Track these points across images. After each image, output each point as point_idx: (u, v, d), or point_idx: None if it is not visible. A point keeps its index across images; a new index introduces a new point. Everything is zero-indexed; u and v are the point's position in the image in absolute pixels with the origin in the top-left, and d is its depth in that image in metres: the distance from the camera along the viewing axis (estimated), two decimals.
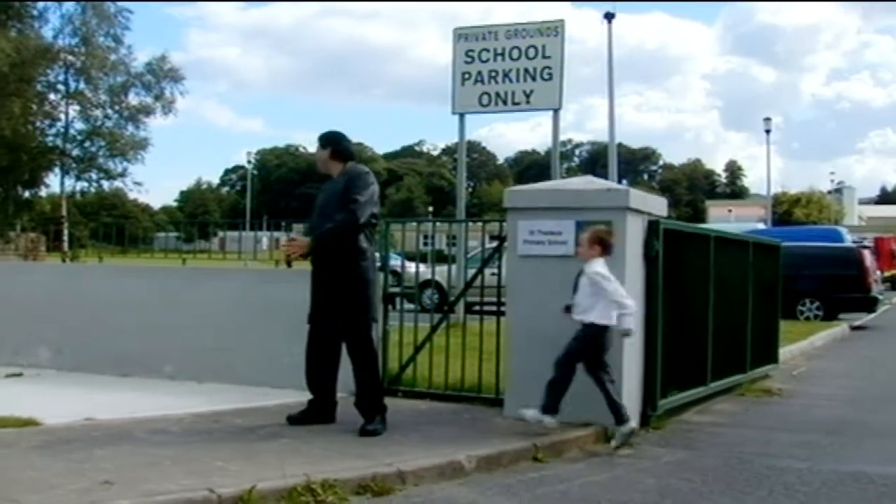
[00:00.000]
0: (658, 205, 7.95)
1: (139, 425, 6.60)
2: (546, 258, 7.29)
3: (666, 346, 7.64)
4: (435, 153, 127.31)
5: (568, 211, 7.26)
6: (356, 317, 6.73)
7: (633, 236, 7.27)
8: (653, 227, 7.57)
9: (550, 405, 6.63)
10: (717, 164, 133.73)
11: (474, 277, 8.60)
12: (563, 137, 19.51)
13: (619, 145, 52.06)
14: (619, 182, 19.69)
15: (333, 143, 7.02)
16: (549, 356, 7.16)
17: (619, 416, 6.71)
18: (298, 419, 6.78)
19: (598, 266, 6.71)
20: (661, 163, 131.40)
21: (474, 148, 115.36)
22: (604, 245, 6.78)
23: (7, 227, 36.95)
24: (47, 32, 46.07)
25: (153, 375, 8.90)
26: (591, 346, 6.71)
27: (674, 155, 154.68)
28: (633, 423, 6.84)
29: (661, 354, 7.55)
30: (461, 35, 15.09)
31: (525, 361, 7.28)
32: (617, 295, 6.65)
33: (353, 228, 6.63)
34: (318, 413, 6.85)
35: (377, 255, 7.34)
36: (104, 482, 4.90)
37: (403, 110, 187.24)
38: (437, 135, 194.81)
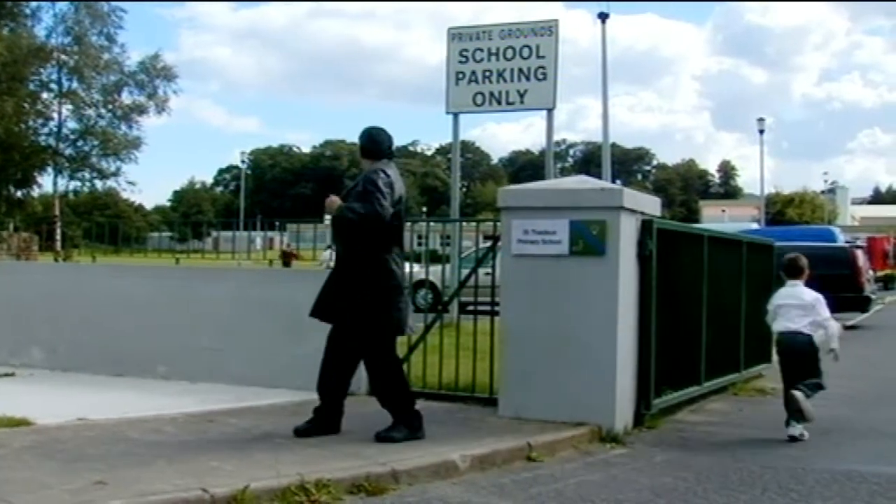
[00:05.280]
0: (652, 204, 7.96)
1: (132, 425, 6.58)
2: (540, 257, 7.29)
3: (660, 346, 7.64)
4: (429, 153, 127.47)
5: (562, 210, 7.25)
6: (374, 332, 6.45)
7: (626, 236, 7.27)
8: (646, 226, 7.57)
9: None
10: (709, 165, 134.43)
11: (468, 277, 8.60)
12: (556, 137, 19.57)
13: (613, 145, 52.12)
14: (613, 182, 19.70)
15: (360, 139, 6.78)
16: (543, 355, 7.17)
17: None
18: (306, 431, 6.39)
19: None
20: (654, 163, 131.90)
21: (468, 148, 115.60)
22: None
23: None
24: (40, 31, 46.01)
25: (146, 375, 8.88)
26: None
27: (667, 155, 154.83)
28: None
29: (655, 354, 7.55)
30: (455, 35, 15.10)
31: (519, 361, 7.27)
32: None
33: (374, 219, 6.28)
34: (324, 423, 6.45)
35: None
36: (97, 482, 4.89)
37: (397, 110, 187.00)
38: (431, 135, 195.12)
